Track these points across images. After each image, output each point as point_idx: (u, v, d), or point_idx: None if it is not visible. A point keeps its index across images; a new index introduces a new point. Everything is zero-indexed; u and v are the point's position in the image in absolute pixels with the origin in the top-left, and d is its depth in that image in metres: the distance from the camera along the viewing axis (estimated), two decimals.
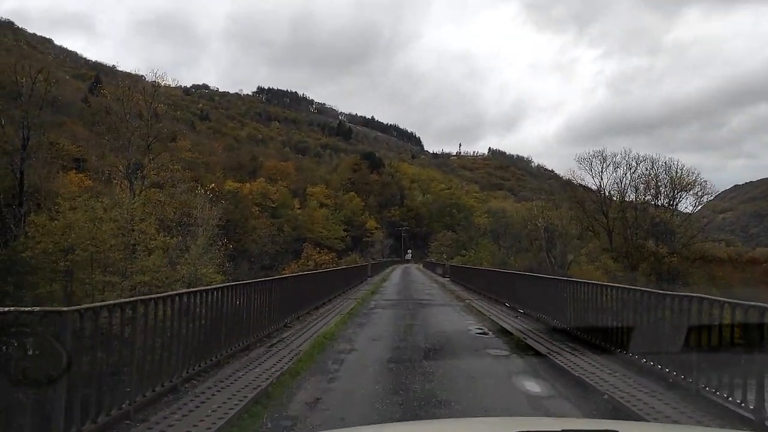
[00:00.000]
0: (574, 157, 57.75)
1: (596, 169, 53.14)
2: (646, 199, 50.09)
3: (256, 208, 68.18)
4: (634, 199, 50.39)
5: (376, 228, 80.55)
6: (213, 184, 39.07)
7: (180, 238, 31.42)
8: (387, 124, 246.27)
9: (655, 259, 46.23)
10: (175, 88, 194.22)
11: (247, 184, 70.58)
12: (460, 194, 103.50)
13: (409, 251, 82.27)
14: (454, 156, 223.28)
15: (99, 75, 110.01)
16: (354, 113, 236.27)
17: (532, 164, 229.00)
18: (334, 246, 72.34)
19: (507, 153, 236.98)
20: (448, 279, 34.12)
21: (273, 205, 70.70)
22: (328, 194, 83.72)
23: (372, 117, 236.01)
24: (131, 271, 23.11)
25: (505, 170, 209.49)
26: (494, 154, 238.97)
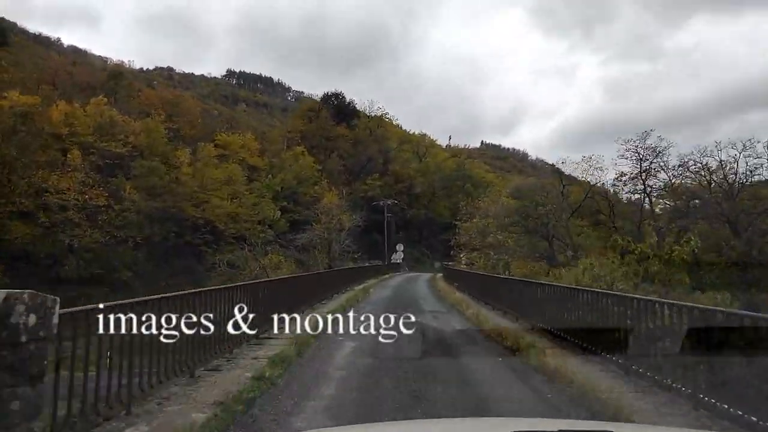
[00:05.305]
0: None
1: None
2: None
3: (78, 151, 31.80)
4: None
5: (338, 206, 44.45)
6: None
7: None
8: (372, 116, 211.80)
9: None
10: (129, 68, 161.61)
11: (61, 103, 33.85)
12: (470, 166, 68.46)
13: (400, 248, 46.28)
14: (444, 149, 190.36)
15: None
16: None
17: (529, 158, 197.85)
18: (252, 235, 36.32)
19: (501, 146, 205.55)
20: None
21: (121, 151, 33.98)
22: (258, 150, 47.60)
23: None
24: None
25: (504, 161, 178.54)
26: (487, 147, 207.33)
